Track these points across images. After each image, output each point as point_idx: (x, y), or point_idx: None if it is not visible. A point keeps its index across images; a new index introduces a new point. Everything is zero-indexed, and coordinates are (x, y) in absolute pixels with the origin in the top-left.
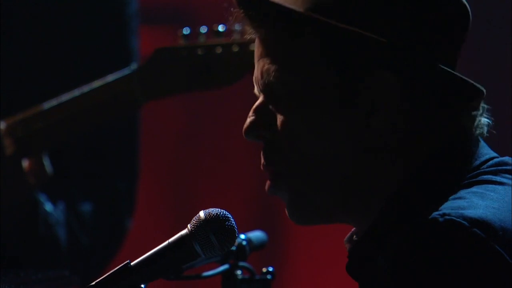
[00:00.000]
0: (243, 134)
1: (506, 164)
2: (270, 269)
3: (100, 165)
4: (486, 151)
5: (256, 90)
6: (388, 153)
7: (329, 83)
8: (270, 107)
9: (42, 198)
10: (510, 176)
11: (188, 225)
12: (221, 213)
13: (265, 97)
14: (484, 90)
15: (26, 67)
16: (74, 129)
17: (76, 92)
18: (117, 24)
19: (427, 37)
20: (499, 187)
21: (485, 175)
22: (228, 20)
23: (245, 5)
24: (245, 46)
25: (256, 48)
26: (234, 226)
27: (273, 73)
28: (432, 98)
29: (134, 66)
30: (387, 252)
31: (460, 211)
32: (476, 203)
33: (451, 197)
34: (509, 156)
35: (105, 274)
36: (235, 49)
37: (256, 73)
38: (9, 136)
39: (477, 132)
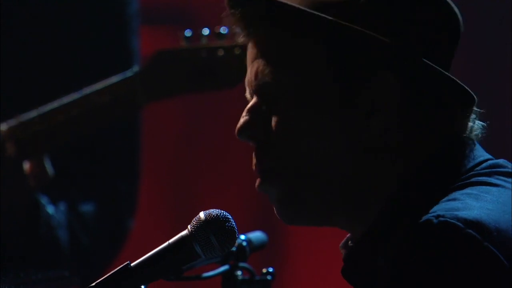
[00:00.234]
0: (236, 133)
1: (500, 166)
2: (270, 269)
3: (101, 166)
4: (480, 153)
5: (247, 93)
6: (388, 153)
7: (329, 83)
8: (264, 108)
9: (44, 200)
10: (504, 178)
11: (189, 226)
12: (221, 214)
13: (259, 98)
14: (475, 97)
15: (27, 68)
16: (75, 131)
17: (77, 94)
18: (118, 24)
19: (427, 38)
20: (493, 189)
21: (479, 176)
22: (230, 22)
23: (244, 5)
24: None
25: (250, 50)
26: (234, 227)
27: (269, 74)
28: (429, 99)
29: (136, 68)
30: (387, 252)
31: (455, 213)
32: (470, 204)
33: (445, 199)
34: (508, 157)
35: (105, 274)
36: (237, 51)
37: (249, 75)
38: (10, 138)
39: (472, 134)
